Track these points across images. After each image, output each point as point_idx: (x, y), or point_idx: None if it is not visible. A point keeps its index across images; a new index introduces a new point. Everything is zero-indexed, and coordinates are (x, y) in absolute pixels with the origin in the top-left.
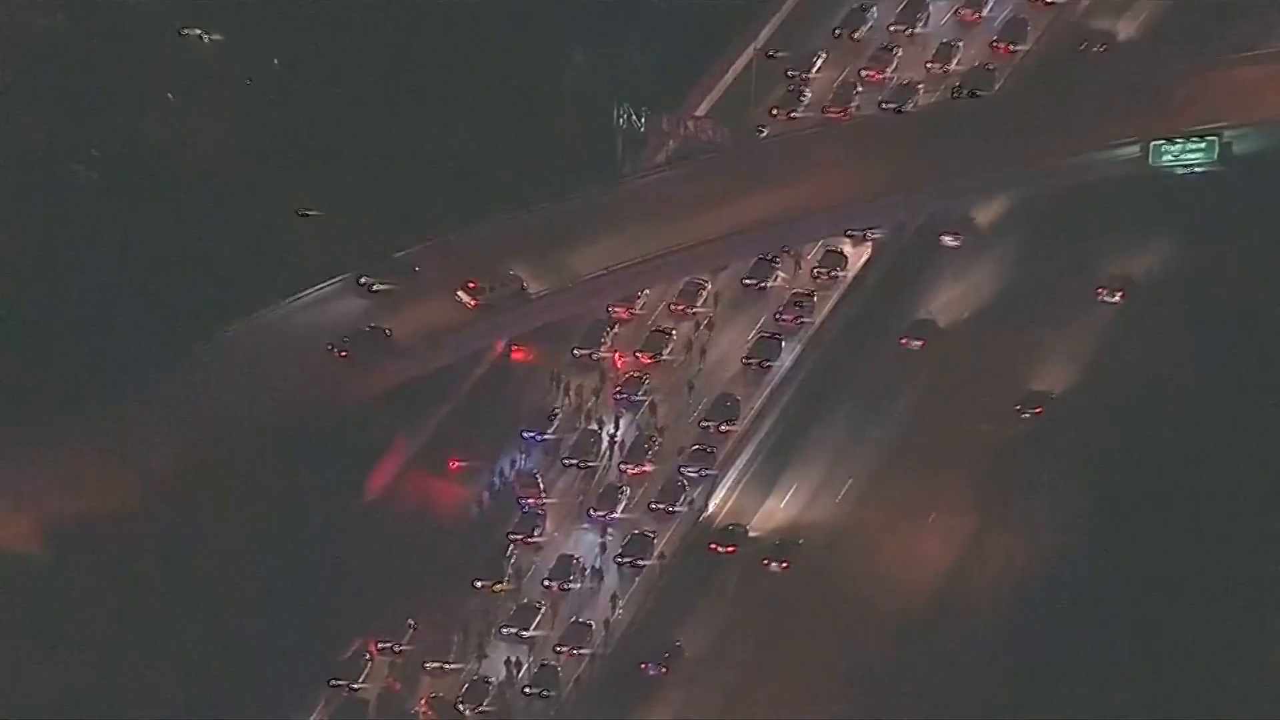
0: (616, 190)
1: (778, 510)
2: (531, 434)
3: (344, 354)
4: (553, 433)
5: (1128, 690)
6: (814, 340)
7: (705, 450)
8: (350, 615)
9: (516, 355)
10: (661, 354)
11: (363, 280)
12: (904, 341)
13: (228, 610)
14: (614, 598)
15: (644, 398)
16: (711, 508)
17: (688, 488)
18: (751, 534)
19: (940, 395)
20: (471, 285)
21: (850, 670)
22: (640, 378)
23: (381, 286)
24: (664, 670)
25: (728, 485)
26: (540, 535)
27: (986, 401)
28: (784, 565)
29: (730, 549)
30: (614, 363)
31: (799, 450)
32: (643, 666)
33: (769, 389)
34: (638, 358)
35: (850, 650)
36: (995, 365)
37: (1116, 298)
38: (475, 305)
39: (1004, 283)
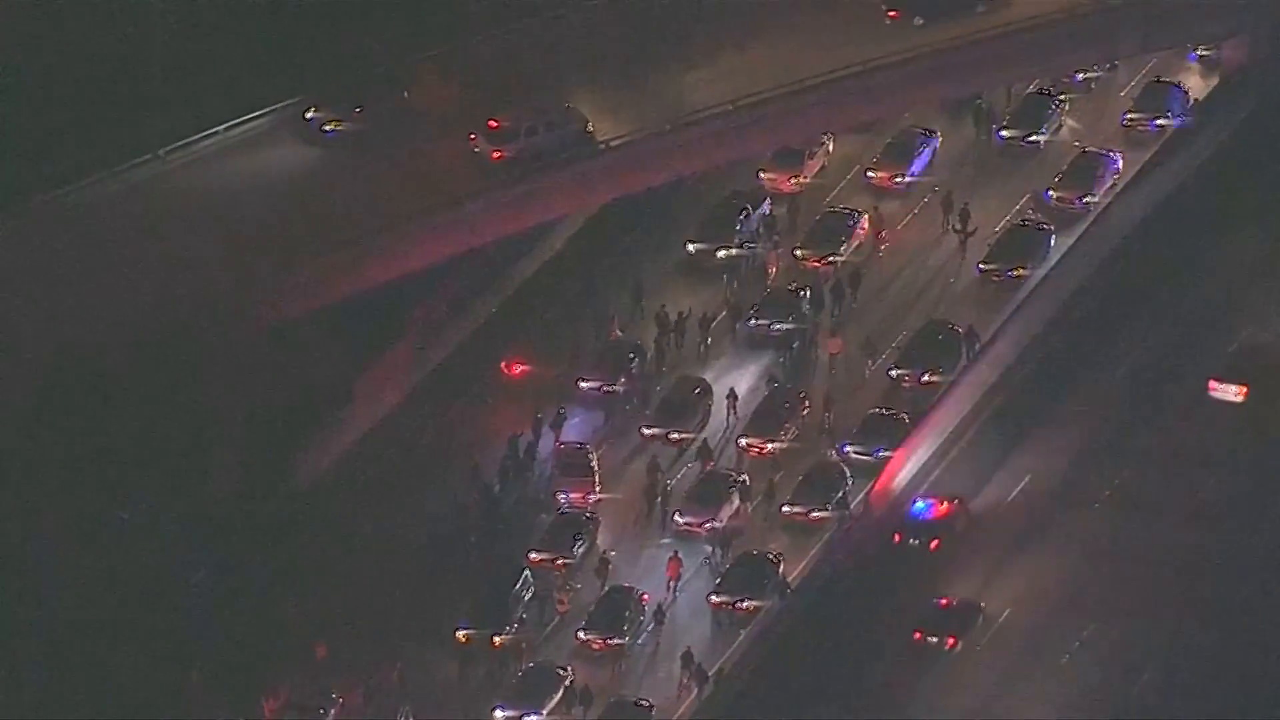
0: None
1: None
2: (593, 382)
3: None
4: (624, 382)
5: None
6: (1098, 235)
7: (890, 416)
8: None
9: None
10: (836, 252)
11: (311, 114)
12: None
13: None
14: (687, 664)
15: (788, 326)
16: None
17: (849, 480)
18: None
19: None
20: (494, 125)
21: None
22: (796, 291)
23: (339, 126)
24: None
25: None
26: (582, 550)
27: None
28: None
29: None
30: (770, 259)
31: (1041, 430)
32: None
33: (1011, 313)
34: (797, 258)
35: None
36: None
37: None
38: (499, 158)
39: None
